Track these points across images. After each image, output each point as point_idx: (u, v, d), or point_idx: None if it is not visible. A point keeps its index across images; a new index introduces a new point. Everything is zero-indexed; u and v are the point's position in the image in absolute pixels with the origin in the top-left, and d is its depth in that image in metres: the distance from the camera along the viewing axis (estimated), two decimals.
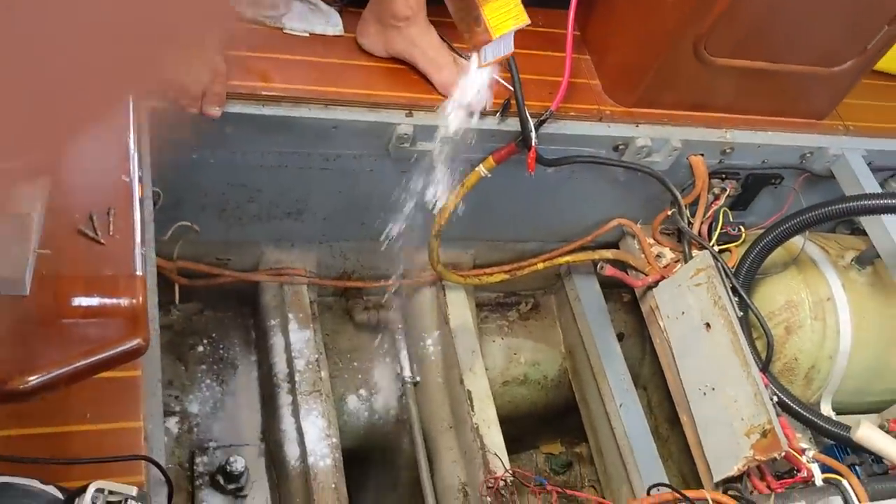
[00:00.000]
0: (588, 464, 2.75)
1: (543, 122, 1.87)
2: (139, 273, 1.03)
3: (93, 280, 0.99)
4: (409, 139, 1.80)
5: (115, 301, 0.98)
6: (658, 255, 2.23)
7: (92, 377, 0.98)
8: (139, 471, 1.21)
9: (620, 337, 2.54)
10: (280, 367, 2.02)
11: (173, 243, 1.89)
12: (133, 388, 1.27)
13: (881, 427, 2.11)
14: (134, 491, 1.10)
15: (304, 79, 1.72)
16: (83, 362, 0.90)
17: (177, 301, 1.96)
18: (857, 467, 1.90)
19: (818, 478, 1.77)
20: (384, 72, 1.82)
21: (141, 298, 1.00)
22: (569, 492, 1.98)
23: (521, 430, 2.61)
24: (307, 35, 1.81)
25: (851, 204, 1.92)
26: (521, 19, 1.53)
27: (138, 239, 1.06)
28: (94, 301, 0.98)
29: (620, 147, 2.00)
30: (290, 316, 2.06)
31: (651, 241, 2.25)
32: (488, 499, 1.95)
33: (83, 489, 1.08)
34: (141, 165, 1.42)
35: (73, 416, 1.21)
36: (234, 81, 1.66)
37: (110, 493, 1.08)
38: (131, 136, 1.17)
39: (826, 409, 2.12)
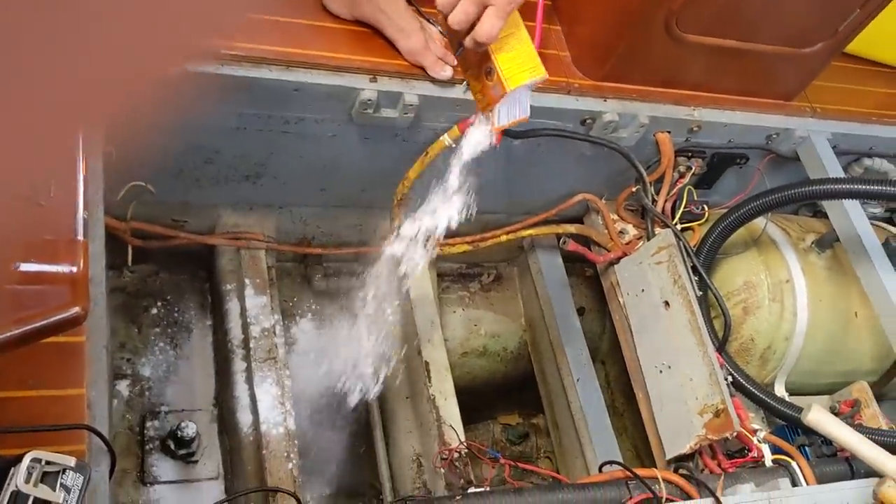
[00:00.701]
0: (544, 435, 2.76)
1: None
2: (80, 238, 0.99)
3: (30, 244, 0.95)
4: (373, 105, 1.76)
5: (53, 267, 0.94)
6: (621, 232, 2.22)
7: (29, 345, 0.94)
8: (81, 440, 1.18)
9: (581, 311, 2.54)
10: (235, 332, 1.99)
11: (127, 204, 1.83)
12: (76, 354, 1.24)
13: (832, 409, 2.15)
14: (72, 461, 1.07)
15: (266, 39, 1.67)
16: (15, 331, 0.87)
17: (129, 263, 1.91)
18: (806, 448, 1.93)
19: (768, 459, 1.78)
20: (349, 35, 1.77)
21: (81, 265, 0.96)
22: (521, 465, 1.98)
23: (478, 400, 2.61)
24: None
25: (814, 188, 1.91)
26: (538, 72, 1.39)
27: (81, 202, 1.01)
28: (30, 267, 0.94)
29: (588, 121, 1.98)
30: (247, 281, 2.02)
31: (615, 216, 2.24)
32: (442, 470, 1.95)
33: (19, 458, 1.05)
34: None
35: (12, 382, 1.17)
36: None
37: (48, 462, 1.05)
38: None
39: (780, 390, 2.14)
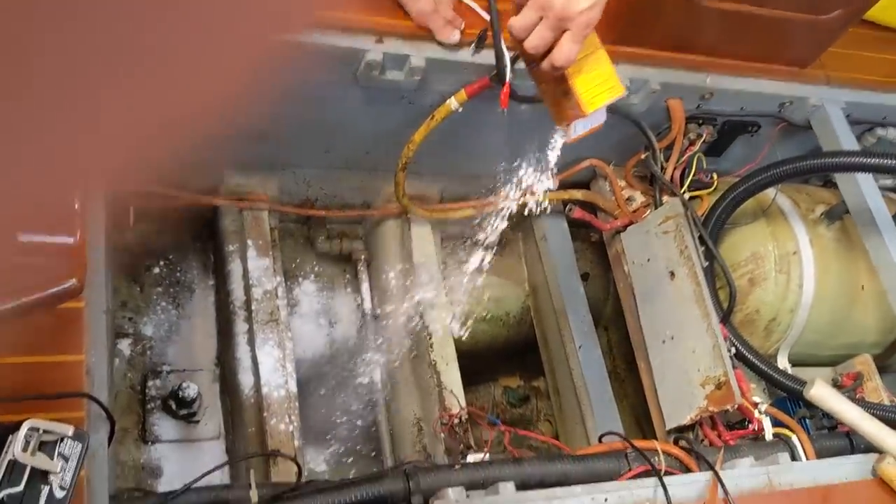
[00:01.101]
0: (545, 398, 2.77)
1: (519, 56, 1.79)
2: (78, 207, 0.97)
3: (25, 214, 0.93)
4: (379, 67, 1.73)
5: (50, 239, 0.93)
6: (628, 199, 2.20)
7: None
8: (80, 406, 1.18)
9: (585, 276, 2.52)
10: (237, 294, 1.98)
11: None
12: (76, 320, 1.23)
13: (834, 381, 2.14)
14: (70, 430, 1.06)
15: None
16: (10, 305, 0.85)
17: (131, 223, 1.89)
18: (807, 420, 1.93)
19: (768, 432, 1.78)
20: None
21: (79, 235, 0.94)
22: (521, 432, 1.98)
23: (480, 364, 2.61)
24: None
25: (827, 160, 1.89)
26: (616, 91, 1.36)
27: None
28: (27, 238, 0.92)
29: None
30: (249, 242, 2.01)
31: (622, 183, 2.21)
32: (442, 435, 1.95)
33: (17, 426, 1.04)
34: None
35: (10, 347, 1.17)
36: None
37: (45, 431, 1.04)
38: None
39: (783, 362, 2.13)
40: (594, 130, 1.47)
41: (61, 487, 1.04)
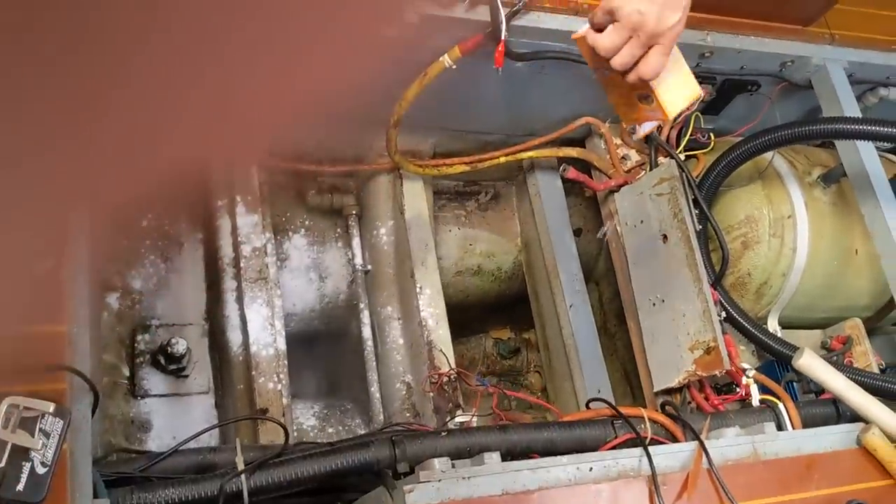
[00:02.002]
0: (536, 350, 2.78)
1: (515, 13, 1.75)
2: None
3: None
4: None
5: None
6: (623, 158, 2.16)
7: None
8: (62, 378, 1.17)
9: (578, 232, 2.50)
10: (226, 251, 1.96)
11: None
12: (57, 288, 1.21)
13: (823, 344, 2.15)
14: (51, 407, 1.06)
15: None
16: None
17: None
18: (794, 384, 1.94)
19: (755, 398, 1.79)
20: None
21: None
22: (509, 392, 1.99)
23: (470, 317, 2.61)
24: None
25: (826, 126, 1.85)
26: (695, 93, 1.38)
27: None
28: None
29: None
30: (238, 198, 1.98)
31: (618, 142, 2.18)
32: (431, 394, 1.96)
33: None
34: None
35: None
36: None
37: (26, 408, 1.04)
38: None
39: (773, 324, 2.13)
40: (659, 123, 1.48)
41: (43, 464, 1.03)
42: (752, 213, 2.06)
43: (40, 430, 1.04)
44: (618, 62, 1.30)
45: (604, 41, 1.30)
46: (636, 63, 1.30)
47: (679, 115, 1.42)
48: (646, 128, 1.45)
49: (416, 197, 2.16)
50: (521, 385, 2.83)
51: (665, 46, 1.29)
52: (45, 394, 1.11)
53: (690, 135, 2.08)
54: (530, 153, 2.18)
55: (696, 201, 1.96)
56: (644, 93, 1.37)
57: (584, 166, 2.20)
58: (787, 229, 2.04)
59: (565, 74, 1.96)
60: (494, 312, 2.73)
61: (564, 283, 2.28)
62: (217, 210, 2.00)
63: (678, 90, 1.36)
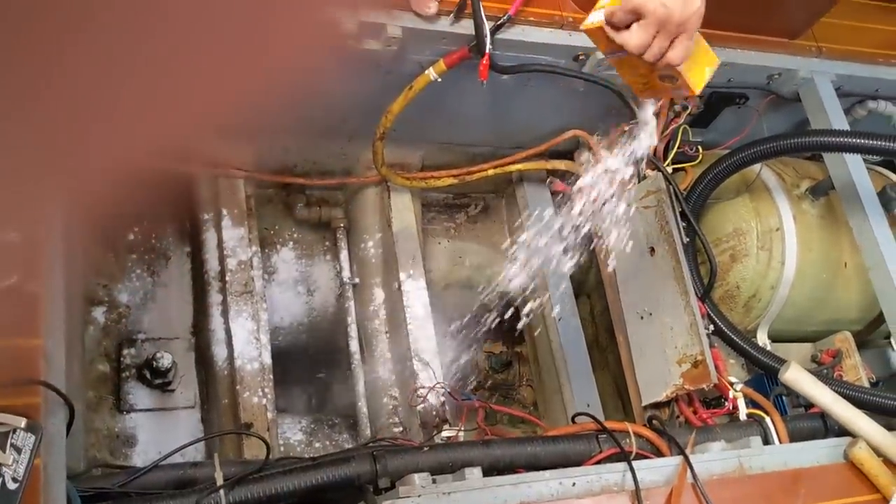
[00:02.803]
0: (528, 363, 2.77)
1: (500, 27, 1.75)
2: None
3: None
4: (354, 37, 1.67)
5: None
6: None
7: None
8: (37, 392, 1.16)
9: None
10: (212, 264, 1.96)
11: None
12: (33, 303, 1.20)
13: (814, 357, 2.14)
14: (23, 422, 1.05)
15: None
16: None
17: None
18: (783, 398, 1.93)
19: (742, 412, 1.78)
20: None
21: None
22: (496, 407, 1.98)
23: (461, 331, 2.60)
24: None
25: (813, 139, 1.85)
26: (714, 61, 1.40)
27: None
28: None
29: (581, 57, 1.89)
30: (224, 212, 1.97)
31: (606, 154, 2.17)
32: (418, 408, 1.95)
33: None
34: None
35: None
36: None
37: None
38: None
39: (762, 338, 2.12)
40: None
41: (14, 479, 1.02)
42: (740, 225, 2.06)
43: (11, 445, 1.03)
44: (649, 55, 1.31)
45: (633, 39, 1.31)
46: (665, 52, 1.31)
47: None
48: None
49: (403, 209, 2.15)
50: (514, 399, 2.82)
51: (690, 32, 1.31)
52: (17, 408, 1.11)
53: (678, 148, 2.08)
54: (519, 166, 2.18)
55: (683, 214, 1.96)
56: (668, 73, 1.38)
57: (573, 179, 2.19)
58: (775, 242, 2.04)
59: (551, 87, 1.96)
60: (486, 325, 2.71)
61: (553, 296, 2.27)
62: (203, 224, 2.00)
63: (699, 67, 1.38)
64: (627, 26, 1.32)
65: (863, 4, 2.26)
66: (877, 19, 2.28)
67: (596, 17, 1.38)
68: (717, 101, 2.12)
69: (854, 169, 1.96)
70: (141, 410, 1.97)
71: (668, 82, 1.40)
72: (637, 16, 1.30)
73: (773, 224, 2.04)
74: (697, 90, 1.40)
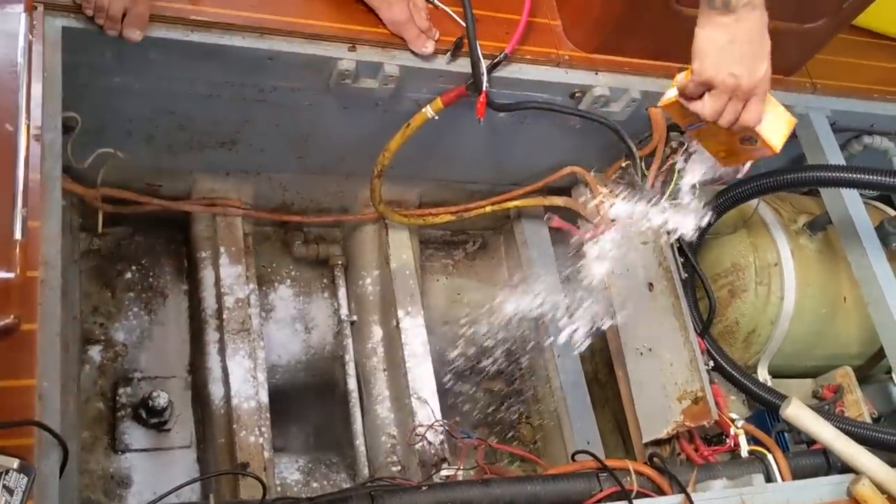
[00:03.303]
0: (527, 402, 2.75)
1: (496, 65, 1.76)
2: (18, 237, 0.94)
3: None
4: (352, 76, 1.69)
5: None
6: (610, 206, 2.16)
7: None
8: (30, 433, 1.15)
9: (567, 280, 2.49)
10: (209, 302, 1.95)
11: (97, 170, 1.77)
12: (28, 343, 1.20)
13: (815, 393, 2.13)
14: (15, 463, 1.04)
15: (238, 4, 1.59)
16: None
17: (100, 229, 1.86)
18: (785, 434, 1.91)
19: (744, 449, 1.76)
20: (328, 0, 1.69)
21: (17, 270, 0.91)
22: (495, 445, 1.96)
23: (460, 367, 2.58)
24: None
25: (809, 174, 1.86)
26: (791, 121, 1.43)
27: (20, 197, 0.96)
28: None
29: (577, 94, 1.90)
30: (222, 249, 1.97)
31: (603, 190, 2.18)
32: (417, 447, 1.93)
33: None
34: (43, 100, 1.30)
35: None
36: (160, 2, 1.52)
37: None
38: (21, 72, 1.05)
39: (763, 373, 2.11)
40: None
41: None
42: (738, 260, 2.06)
43: (4, 486, 1.02)
44: (724, 121, 1.37)
45: (707, 109, 1.37)
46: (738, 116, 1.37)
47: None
48: (746, 164, 1.54)
49: (401, 247, 2.15)
50: (513, 437, 2.79)
51: (761, 95, 1.36)
52: (10, 449, 1.09)
53: (675, 184, 2.08)
54: (516, 202, 2.18)
55: (681, 250, 1.96)
56: (747, 135, 1.43)
57: (571, 215, 2.19)
58: (773, 277, 2.04)
59: (548, 124, 1.97)
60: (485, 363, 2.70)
61: (552, 333, 2.26)
62: (201, 262, 2.00)
63: (777, 125, 1.42)
64: (700, 96, 1.37)
65: (856, 42, 2.28)
66: (870, 56, 2.30)
67: (671, 93, 1.45)
68: None
69: (851, 204, 1.97)
70: (136, 450, 1.95)
71: (749, 144, 1.44)
72: (708, 87, 1.35)
73: (772, 259, 2.04)
74: (778, 148, 1.43)
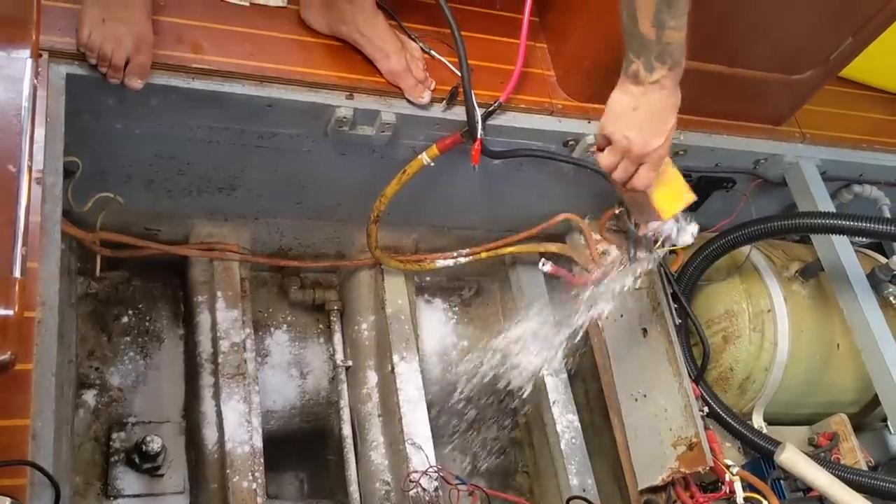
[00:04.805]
0: (523, 449, 2.73)
1: (491, 113, 1.80)
2: (17, 275, 0.95)
3: None
4: (349, 123, 1.72)
5: None
6: (603, 253, 2.18)
7: None
8: (23, 473, 1.15)
9: None
10: (204, 346, 1.96)
11: (96, 214, 1.79)
12: (23, 382, 1.20)
13: (810, 440, 2.12)
14: (7, 502, 1.03)
15: (238, 52, 1.63)
16: None
17: (98, 273, 1.87)
18: (781, 482, 1.90)
19: (739, 496, 1.76)
20: (326, 49, 1.73)
21: (16, 307, 0.92)
22: (490, 492, 1.95)
23: (454, 415, 2.57)
24: (247, 4, 1.70)
25: (800, 221, 1.88)
26: (688, 198, 1.56)
27: (20, 236, 0.98)
28: None
29: (570, 142, 1.94)
30: (219, 294, 1.98)
31: (597, 237, 2.20)
32: (411, 493, 1.92)
33: None
34: (45, 144, 1.33)
35: None
36: (163, 51, 1.56)
37: None
38: (25, 116, 1.08)
39: (758, 420, 2.10)
40: (683, 244, 1.66)
41: None
42: (731, 307, 2.07)
43: None
44: (615, 177, 1.51)
45: (603, 160, 1.51)
46: (631, 177, 1.49)
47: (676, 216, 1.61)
48: (652, 227, 1.63)
49: (397, 292, 2.16)
50: (509, 486, 2.77)
51: (651, 165, 1.47)
52: (3, 488, 1.09)
53: None
54: (511, 248, 2.20)
55: (675, 295, 1.97)
56: (640, 197, 1.55)
57: (566, 261, 2.21)
58: (767, 323, 2.05)
59: (543, 171, 2.00)
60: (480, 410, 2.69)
61: (548, 380, 2.27)
62: (197, 306, 2.01)
63: (671, 196, 1.55)
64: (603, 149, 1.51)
65: (844, 93, 2.33)
66: (858, 107, 2.35)
67: None
68: (706, 185, 2.15)
69: (842, 251, 1.99)
70: (129, 496, 1.93)
71: (649, 208, 1.57)
72: (608, 141, 1.47)
73: (765, 305, 2.05)
74: (665, 216, 1.56)
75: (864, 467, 2.00)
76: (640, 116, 1.43)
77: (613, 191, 2.00)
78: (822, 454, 2.02)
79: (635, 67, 1.41)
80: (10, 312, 0.91)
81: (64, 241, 1.62)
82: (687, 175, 2.09)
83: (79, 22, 1.48)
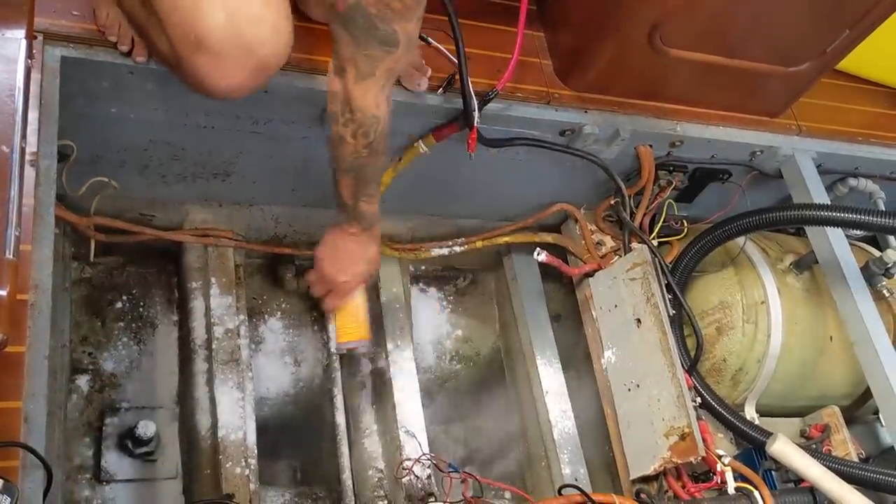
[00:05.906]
0: (515, 439, 2.74)
1: (487, 101, 1.79)
2: (10, 257, 0.95)
3: None
4: None
5: None
6: (598, 243, 2.18)
7: None
8: (15, 455, 1.15)
9: (557, 318, 2.50)
10: (198, 332, 1.95)
11: (91, 198, 1.79)
12: (15, 365, 1.20)
13: (802, 432, 2.13)
14: None
15: None
16: None
17: (91, 258, 1.87)
18: (772, 472, 1.91)
19: (731, 486, 1.76)
20: (323, 36, 1.71)
21: (9, 288, 0.92)
22: (482, 479, 1.95)
23: (448, 404, 2.58)
24: None
25: (796, 213, 1.89)
26: (363, 336, 1.84)
27: (13, 219, 0.97)
28: None
29: (567, 132, 1.94)
30: (213, 280, 1.98)
31: (593, 227, 2.20)
32: (404, 481, 1.92)
33: None
34: (39, 126, 1.32)
35: None
36: None
37: None
38: (19, 97, 1.07)
39: (750, 412, 2.11)
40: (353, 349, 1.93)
41: None
42: (725, 298, 2.07)
43: None
44: (312, 292, 1.85)
45: (309, 276, 1.84)
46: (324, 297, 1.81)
47: (347, 347, 1.89)
48: (335, 345, 1.92)
49: (392, 281, 2.17)
50: (502, 474, 2.78)
51: (337, 294, 1.79)
52: None
53: (664, 221, 2.11)
54: (507, 238, 2.21)
55: (669, 286, 1.97)
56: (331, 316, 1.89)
57: (560, 251, 2.22)
58: (760, 315, 2.05)
59: (539, 161, 2.00)
60: (473, 399, 2.69)
61: (541, 368, 2.27)
62: (191, 292, 2.00)
63: (348, 326, 1.84)
64: None
65: (840, 86, 2.33)
66: (854, 100, 2.35)
67: None
68: (702, 176, 2.16)
69: (836, 243, 1.99)
70: (121, 481, 1.93)
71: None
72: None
73: (758, 297, 2.06)
74: (335, 342, 1.88)
75: (856, 459, 2.01)
76: (337, 254, 1.73)
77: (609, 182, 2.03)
78: (814, 445, 2.03)
79: (341, 219, 1.68)
80: (3, 293, 0.91)
81: (58, 226, 1.61)
82: (683, 166, 2.13)
83: (94, 3, 1.50)
